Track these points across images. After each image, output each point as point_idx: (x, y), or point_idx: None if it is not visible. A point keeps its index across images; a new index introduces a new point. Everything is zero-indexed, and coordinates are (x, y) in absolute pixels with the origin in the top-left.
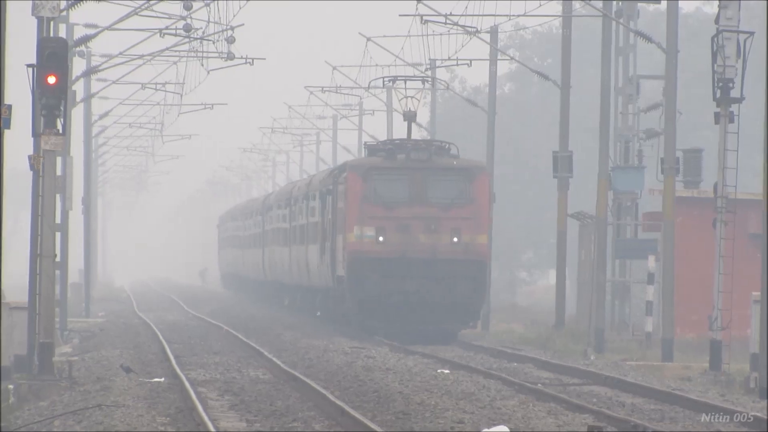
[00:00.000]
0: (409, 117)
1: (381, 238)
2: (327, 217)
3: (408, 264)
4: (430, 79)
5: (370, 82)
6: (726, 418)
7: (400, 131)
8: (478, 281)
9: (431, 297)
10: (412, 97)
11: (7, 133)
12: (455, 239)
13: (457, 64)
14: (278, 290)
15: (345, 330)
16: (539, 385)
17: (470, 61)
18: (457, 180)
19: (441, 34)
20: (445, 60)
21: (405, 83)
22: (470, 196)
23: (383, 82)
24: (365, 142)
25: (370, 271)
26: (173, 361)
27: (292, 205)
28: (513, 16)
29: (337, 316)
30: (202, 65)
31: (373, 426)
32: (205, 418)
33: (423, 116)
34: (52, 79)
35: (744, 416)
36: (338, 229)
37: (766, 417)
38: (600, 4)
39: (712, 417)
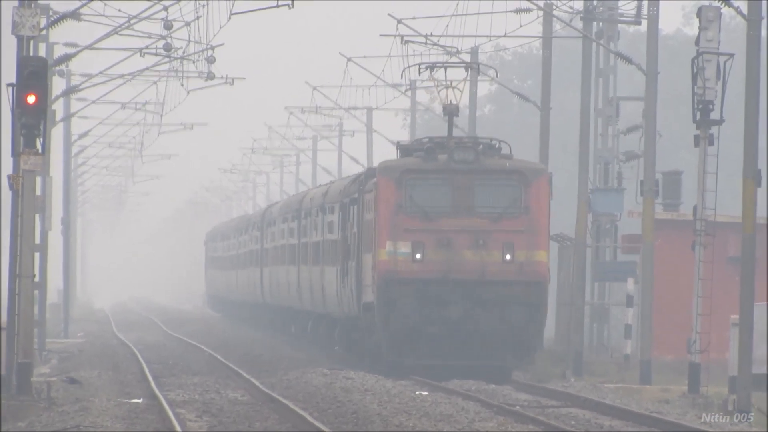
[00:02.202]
0: (451, 111)
1: (418, 256)
2: (350, 232)
3: (451, 287)
4: (475, 65)
5: (402, 72)
6: None
7: (380, 154)
8: (535, 307)
9: (479, 326)
10: (453, 88)
11: None
12: (508, 256)
13: (437, 86)
14: (280, 315)
15: (374, 366)
16: (518, 407)
17: (450, 81)
18: (509, 185)
19: (421, 54)
20: (426, 80)
21: (445, 71)
22: (525, 205)
23: (419, 69)
24: (398, 141)
25: (406, 295)
26: (152, 382)
27: (302, 219)
28: (493, 36)
29: (363, 351)
30: (182, 85)
31: None
32: None
33: (403, 136)
34: (31, 99)
35: None
36: (366, 246)
37: None
38: (580, 26)
39: None
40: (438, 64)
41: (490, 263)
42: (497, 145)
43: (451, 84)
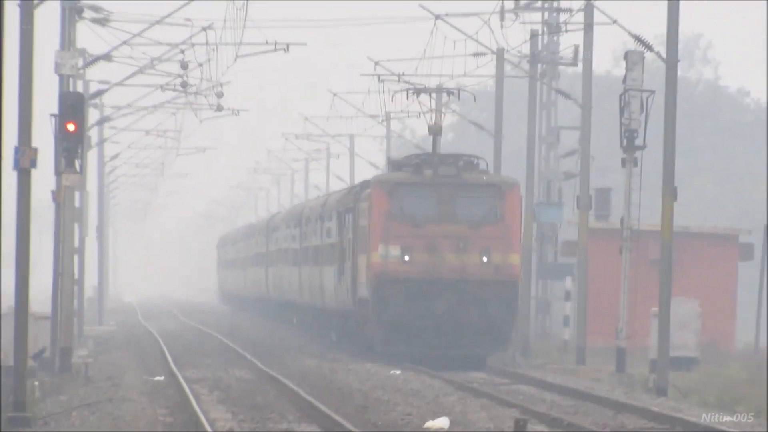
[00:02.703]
0: (435, 130)
1: (407, 258)
2: (346, 236)
3: (436, 285)
4: (455, 91)
5: (393, 95)
6: (628, 413)
7: (360, 173)
8: (509, 303)
9: (460, 319)
10: (437, 110)
11: (33, 171)
12: (485, 259)
13: (408, 116)
14: (282, 308)
15: (366, 353)
16: (474, 384)
17: (419, 113)
18: (487, 196)
19: (396, 91)
20: (399, 112)
21: (430, 95)
22: (501, 214)
23: (407, 94)
24: (388, 157)
25: (396, 292)
26: (171, 363)
27: (303, 226)
28: (455, 76)
29: (358, 340)
30: (196, 116)
31: (331, 414)
32: (198, 410)
33: (380, 159)
34: (71, 127)
35: (644, 411)
36: (360, 249)
37: (660, 411)
38: (527, 67)
39: (617, 411)
40: (424, 91)
41: (470, 265)
42: (476, 162)
43: (435, 108)
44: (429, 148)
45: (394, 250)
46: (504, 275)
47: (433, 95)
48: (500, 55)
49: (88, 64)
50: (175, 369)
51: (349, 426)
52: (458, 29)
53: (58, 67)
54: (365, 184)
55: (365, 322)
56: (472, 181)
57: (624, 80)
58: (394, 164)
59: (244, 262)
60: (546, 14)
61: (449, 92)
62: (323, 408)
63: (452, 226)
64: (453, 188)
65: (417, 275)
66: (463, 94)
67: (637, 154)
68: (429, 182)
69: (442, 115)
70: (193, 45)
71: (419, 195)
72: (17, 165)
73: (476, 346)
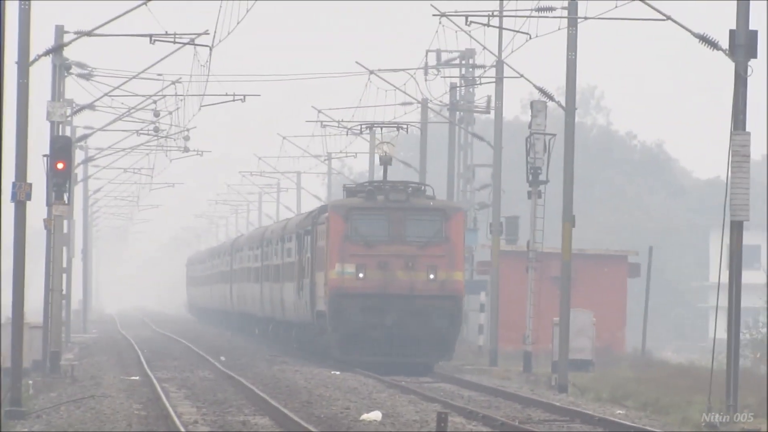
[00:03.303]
0: (385, 161)
1: (361, 275)
2: (305, 256)
3: (387, 299)
4: (404, 126)
5: (358, 127)
6: (534, 407)
7: (307, 205)
8: (453, 316)
9: (409, 331)
10: (387, 143)
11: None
12: (432, 276)
13: (347, 156)
14: (245, 320)
15: (323, 361)
16: (402, 382)
17: (356, 153)
18: (433, 219)
19: (335, 135)
20: (338, 153)
21: (381, 129)
22: (446, 235)
23: (361, 128)
24: (344, 185)
25: (351, 306)
26: (145, 365)
27: (265, 247)
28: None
29: (316, 349)
30: (166, 156)
31: (280, 407)
32: (167, 405)
33: (322, 192)
34: (60, 165)
35: (548, 405)
36: (318, 267)
37: (561, 405)
38: (447, 114)
39: (525, 405)
40: (376, 125)
41: (418, 281)
42: (423, 188)
43: (385, 141)
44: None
45: (350, 268)
46: (449, 290)
47: (384, 130)
48: (424, 104)
49: (74, 113)
50: (148, 370)
51: (296, 418)
52: (389, 82)
53: (49, 114)
54: (323, 208)
55: (323, 332)
56: (420, 206)
57: (530, 125)
58: (349, 191)
59: (209, 279)
60: (463, 70)
61: (399, 126)
62: (274, 403)
63: (402, 246)
64: (403, 212)
65: (370, 290)
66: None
67: (541, 187)
68: (381, 206)
69: (392, 147)
70: (164, 96)
71: (372, 218)
72: (14, 198)
73: (423, 355)
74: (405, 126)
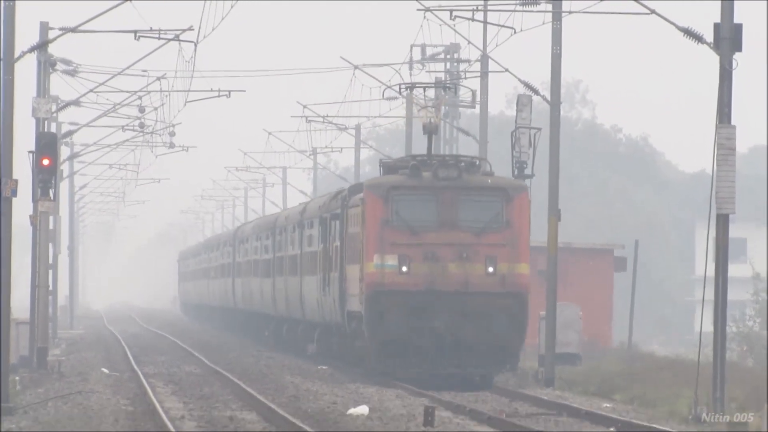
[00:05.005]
0: (430, 129)
1: (404, 269)
2: (332, 244)
3: (436, 298)
4: (451, 86)
5: (383, 90)
6: (521, 400)
7: (293, 200)
8: (517, 317)
9: (463, 336)
10: (432, 107)
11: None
12: (490, 269)
13: (332, 151)
14: (252, 319)
15: (356, 370)
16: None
17: (341, 148)
18: (492, 201)
19: (320, 130)
20: (324, 148)
21: (424, 91)
22: (507, 220)
23: (399, 89)
24: (380, 159)
25: (393, 306)
26: (132, 360)
27: (277, 236)
28: (371, 117)
29: (347, 356)
30: (152, 151)
31: (267, 402)
32: (154, 400)
33: (308, 187)
34: (46, 162)
35: (535, 399)
36: (350, 258)
37: (548, 399)
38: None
39: (512, 399)
40: (418, 85)
41: (474, 275)
42: (478, 163)
43: (432, 105)
44: (351, 180)
45: (391, 260)
46: (511, 286)
47: (428, 91)
48: (409, 100)
49: (60, 109)
50: (134, 365)
51: (283, 413)
52: (374, 77)
53: (34, 111)
54: (355, 187)
55: (356, 337)
56: (475, 184)
57: (515, 119)
58: (387, 167)
59: (206, 273)
60: (448, 64)
61: (446, 87)
62: (261, 398)
63: (454, 234)
64: (454, 192)
65: (416, 287)
66: (379, 132)
67: (527, 181)
68: (428, 185)
69: (438, 113)
70: (149, 92)
71: (417, 199)
72: (0, 194)
73: (481, 365)
74: (452, 86)
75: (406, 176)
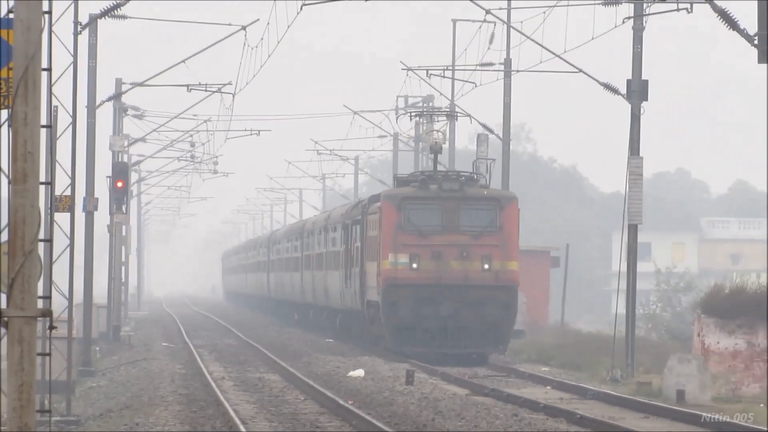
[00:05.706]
0: (435, 150)
1: (415, 265)
2: (354, 245)
3: (441, 290)
4: (455, 114)
5: (398, 117)
6: (479, 365)
7: (308, 213)
8: (508, 306)
9: (464, 321)
10: (438, 131)
11: (95, 213)
12: (486, 266)
13: (337, 176)
14: (282, 305)
15: (373, 348)
16: (382, 348)
17: (344, 174)
18: (487, 209)
19: (328, 160)
20: (331, 174)
21: (431, 117)
22: (500, 224)
23: (410, 116)
24: (394, 174)
25: (405, 296)
26: (184, 335)
27: (305, 238)
28: (367, 150)
29: (366, 338)
30: (200, 176)
31: (288, 367)
32: (201, 365)
33: (318, 203)
34: (120, 184)
35: (489, 364)
36: (369, 256)
37: (500, 364)
38: (413, 144)
39: (473, 365)
40: (425, 112)
41: (472, 271)
42: (476, 177)
43: (436, 129)
44: (352, 199)
45: (403, 258)
46: (503, 280)
47: (437, 117)
48: (396, 137)
49: (130, 144)
50: (186, 338)
51: (299, 374)
52: (369, 120)
53: (111, 146)
54: (374, 198)
55: (373, 322)
56: (474, 195)
57: (476, 152)
58: (400, 180)
59: (245, 268)
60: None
61: (450, 115)
62: (282, 363)
63: (456, 236)
64: (456, 201)
65: (424, 281)
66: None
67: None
68: (434, 196)
69: (442, 136)
70: (198, 131)
71: (425, 208)
72: (85, 209)
73: (478, 345)
74: (455, 115)
75: (416, 188)
